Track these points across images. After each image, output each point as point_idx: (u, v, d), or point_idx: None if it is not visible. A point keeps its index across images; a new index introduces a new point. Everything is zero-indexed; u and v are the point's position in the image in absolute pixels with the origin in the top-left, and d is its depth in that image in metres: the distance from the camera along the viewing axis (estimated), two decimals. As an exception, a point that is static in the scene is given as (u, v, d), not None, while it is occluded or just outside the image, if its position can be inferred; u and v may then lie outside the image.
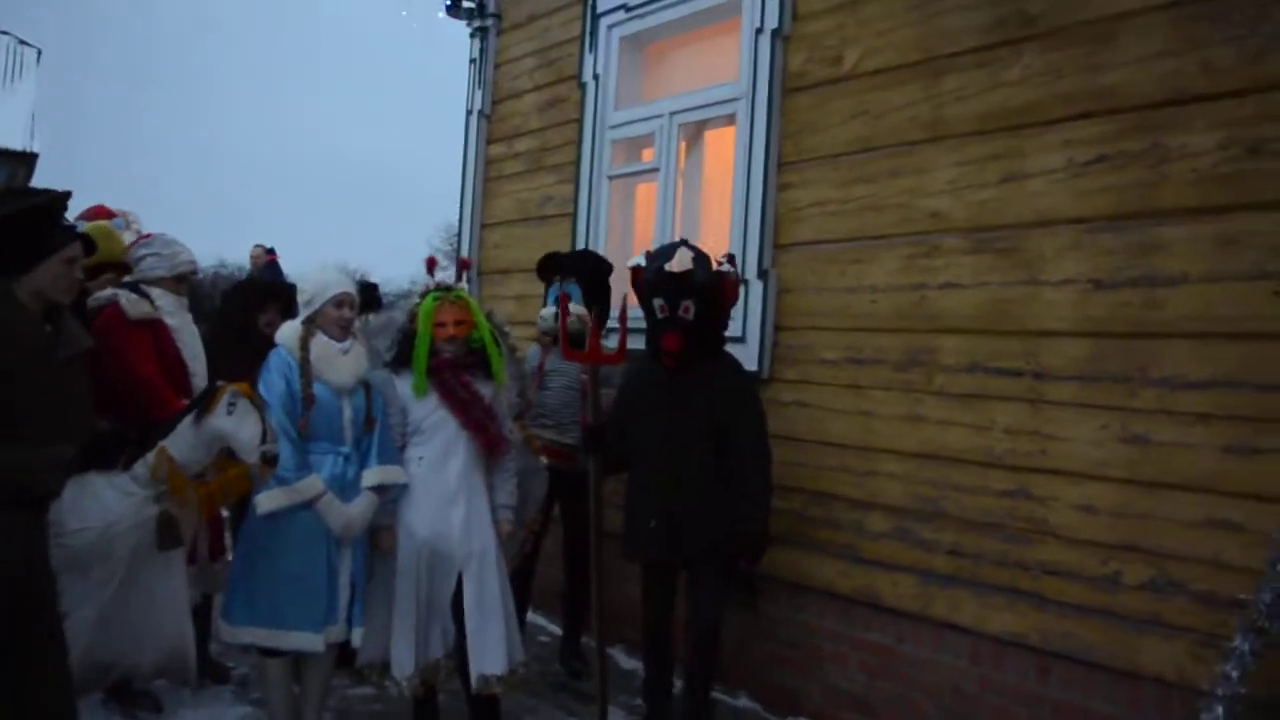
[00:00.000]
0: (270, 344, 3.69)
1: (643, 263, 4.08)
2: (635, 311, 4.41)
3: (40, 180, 16.75)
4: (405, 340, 3.78)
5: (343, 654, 3.85)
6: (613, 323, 4.72)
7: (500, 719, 3.83)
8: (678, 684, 4.11)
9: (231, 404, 3.18)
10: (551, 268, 4.94)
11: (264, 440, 3.19)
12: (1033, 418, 3.63)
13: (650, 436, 3.99)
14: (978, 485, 3.78)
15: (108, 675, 3.47)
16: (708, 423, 3.90)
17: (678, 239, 4.26)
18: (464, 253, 6.74)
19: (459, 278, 4.04)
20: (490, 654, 3.66)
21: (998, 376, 3.75)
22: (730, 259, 4.09)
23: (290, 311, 3.97)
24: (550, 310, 4.72)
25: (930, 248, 4.01)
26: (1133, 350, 3.37)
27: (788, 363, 4.54)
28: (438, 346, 3.72)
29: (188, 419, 3.26)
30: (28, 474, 2.55)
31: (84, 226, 3.94)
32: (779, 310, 4.60)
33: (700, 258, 3.97)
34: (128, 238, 4.40)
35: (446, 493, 3.70)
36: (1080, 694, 3.42)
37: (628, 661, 5.02)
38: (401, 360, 3.77)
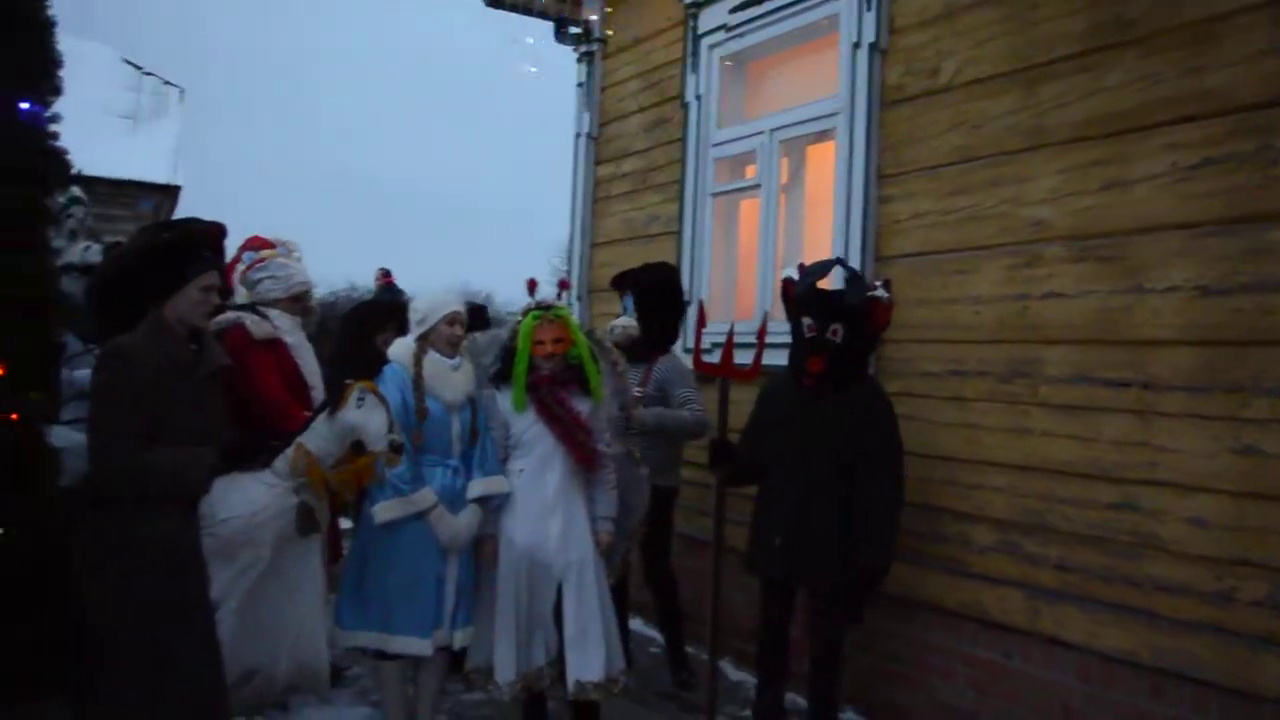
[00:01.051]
0: (385, 360, 3.90)
1: (794, 276, 4.06)
2: (773, 326, 4.48)
3: (183, 211, 17.88)
4: (506, 357, 3.94)
5: (455, 659, 4.04)
6: (745, 337, 4.65)
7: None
8: (788, 699, 4.12)
9: (360, 399, 3.41)
10: (622, 283, 5.06)
11: (390, 430, 3.40)
12: (1141, 429, 3.55)
13: (782, 455, 3.96)
14: (1085, 498, 3.70)
15: (248, 683, 3.68)
16: (842, 449, 3.85)
17: (832, 257, 4.24)
18: (573, 272, 6.93)
19: (559, 297, 4.18)
20: (588, 662, 3.76)
21: (1104, 387, 3.67)
22: (886, 284, 4.01)
23: (405, 330, 4.18)
24: (618, 322, 4.81)
25: (1033, 257, 3.96)
26: (1244, 358, 3.27)
27: (891, 376, 4.53)
28: (536, 363, 3.86)
29: (322, 415, 3.48)
30: (180, 472, 2.96)
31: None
32: (882, 323, 4.59)
33: (855, 279, 3.96)
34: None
35: (545, 504, 3.83)
36: (1193, 714, 3.32)
37: (735, 673, 5.07)
38: (503, 376, 3.92)
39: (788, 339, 4.12)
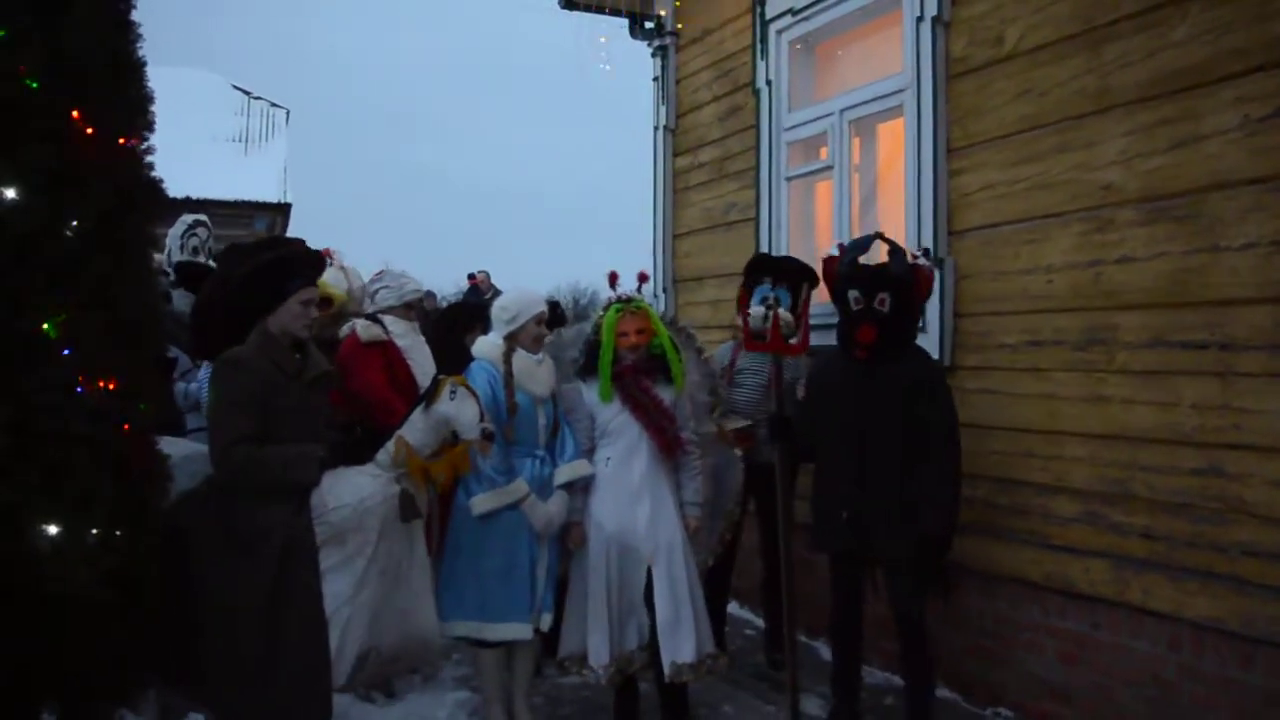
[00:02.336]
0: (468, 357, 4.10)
1: (835, 254, 4.11)
2: (818, 308, 4.51)
3: (294, 226, 18.69)
4: (591, 350, 4.07)
5: (549, 644, 4.21)
6: (827, 319, 4.60)
7: (688, 706, 4.04)
8: (866, 672, 4.15)
9: (453, 392, 3.62)
10: (761, 269, 5.03)
11: (481, 419, 3.58)
12: (1222, 392, 3.46)
13: (840, 429, 3.99)
14: (1167, 465, 3.63)
15: (361, 668, 3.91)
16: (898, 417, 3.85)
17: (871, 232, 4.25)
18: (656, 263, 7.03)
19: (638, 290, 4.27)
20: (680, 644, 3.86)
21: (1182, 350, 3.60)
22: (925, 253, 4.07)
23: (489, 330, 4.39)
24: (754, 309, 4.80)
25: (1104, 222, 3.89)
26: (1326, 314, 3.16)
27: (969, 350, 4.50)
28: (620, 354, 3.99)
29: (418, 409, 3.69)
30: (292, 467, 3.26)
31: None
32: (957, 297, 4.57)
33: (896, 250, 3.98)
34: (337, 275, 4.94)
35: (631, 490, 3.96)
36: (1286, 681, 3.23)
37: (829, 654, 5.09)
38: (588, 368, 4.06)
39: (831, 320, 4.17)
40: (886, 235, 4.12)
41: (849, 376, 4.01)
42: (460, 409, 3.60)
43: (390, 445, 3.63)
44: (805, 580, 4.28)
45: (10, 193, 2.70)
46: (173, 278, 5.26)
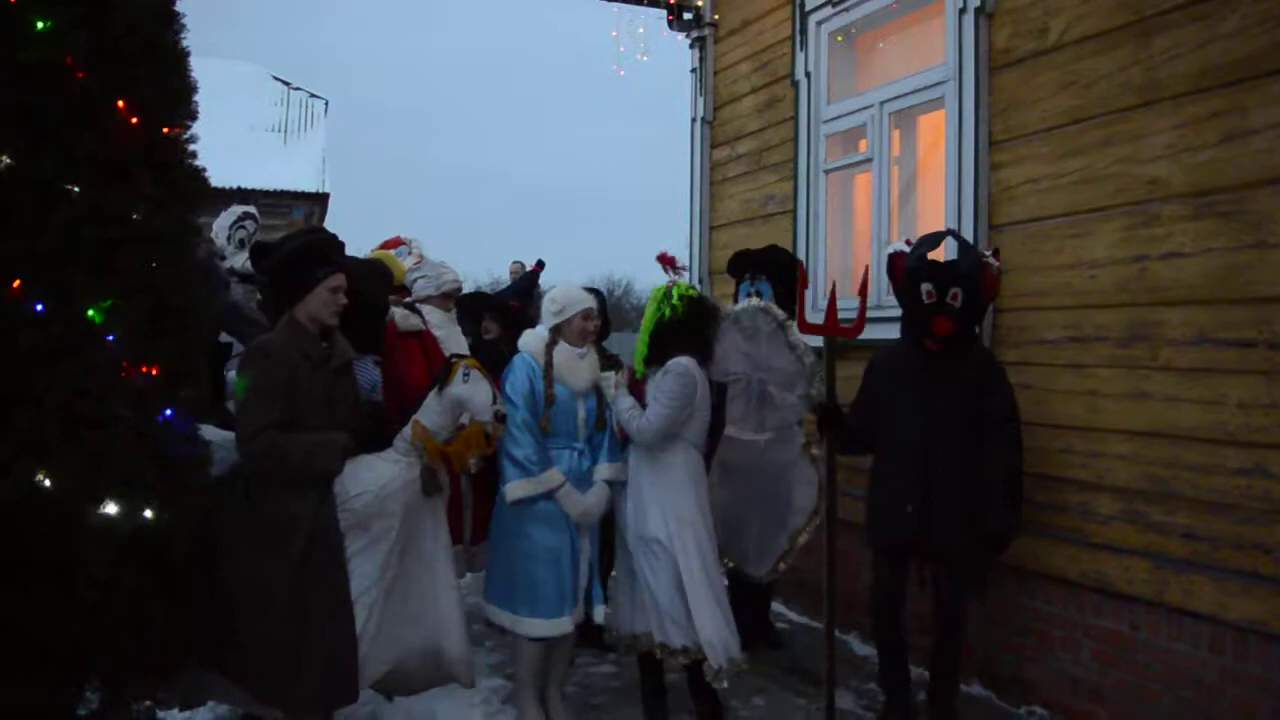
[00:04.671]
0: (486, 346, 4.12)
1: (904, 249, 4.09)
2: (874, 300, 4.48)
3: (332, 215, 18.86)
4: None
5: (585, 633, 4.21)
6: (851, 312, 4.41)
7: (718, 695, 4.04)
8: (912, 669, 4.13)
9: (465, 374, 3.64)
10: (742, 265, 5.04)
11: (494, 401, 3.60)
12: (1269, 390, 3.40)
13: (905, 422, 3.97)
14: (1211, 464, 3.57)
15: (390, 656, 3.89)
16: (964, 411, 3.86)
17: (943, 229, 4.24)
18: (693, 255, 7.02)
19: (667, 272, 4.24)
20: (701, 635, 3.86)
21: (1228, 348, 3.53)
22: (995, 254, 4.04)
23: (506, 320, 4.41)
24: (744, 305, 4.79)
25: (1149, 216, 3.83)
26: (1378, 312, 3.09)
27: (1008, 345, 4.45)
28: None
29: (432, 392, 3.72)
30: (316, 454, 3.32)
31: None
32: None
33: (965, 248, 3.98)
34: (409, 261, 4.99)
35: (641, 486, 3.99)
36: (1331, 685, 3.17)
37: (861, 648, 5.08)
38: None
39: (890, 313, 4.10)
40: (959, 233, 4.09)
41: (914, 369, 4.00)
42: (473, 391, 3.63)
43: (407, 430, 3.65)
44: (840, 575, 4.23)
45: (59, 182, 2.74)
46: (232, 266, 5.31)
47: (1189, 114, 3.68)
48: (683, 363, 3.93)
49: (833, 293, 4.06)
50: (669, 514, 3.92)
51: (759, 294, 4.67)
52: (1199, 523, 3.61)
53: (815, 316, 4.03)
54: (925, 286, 3.88)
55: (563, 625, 3.89)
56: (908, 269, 3.99)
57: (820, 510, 4.38)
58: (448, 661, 3.73)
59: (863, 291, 4.09)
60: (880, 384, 4.15)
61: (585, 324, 4.02)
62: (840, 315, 4.00)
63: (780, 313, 4.53)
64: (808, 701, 4.40)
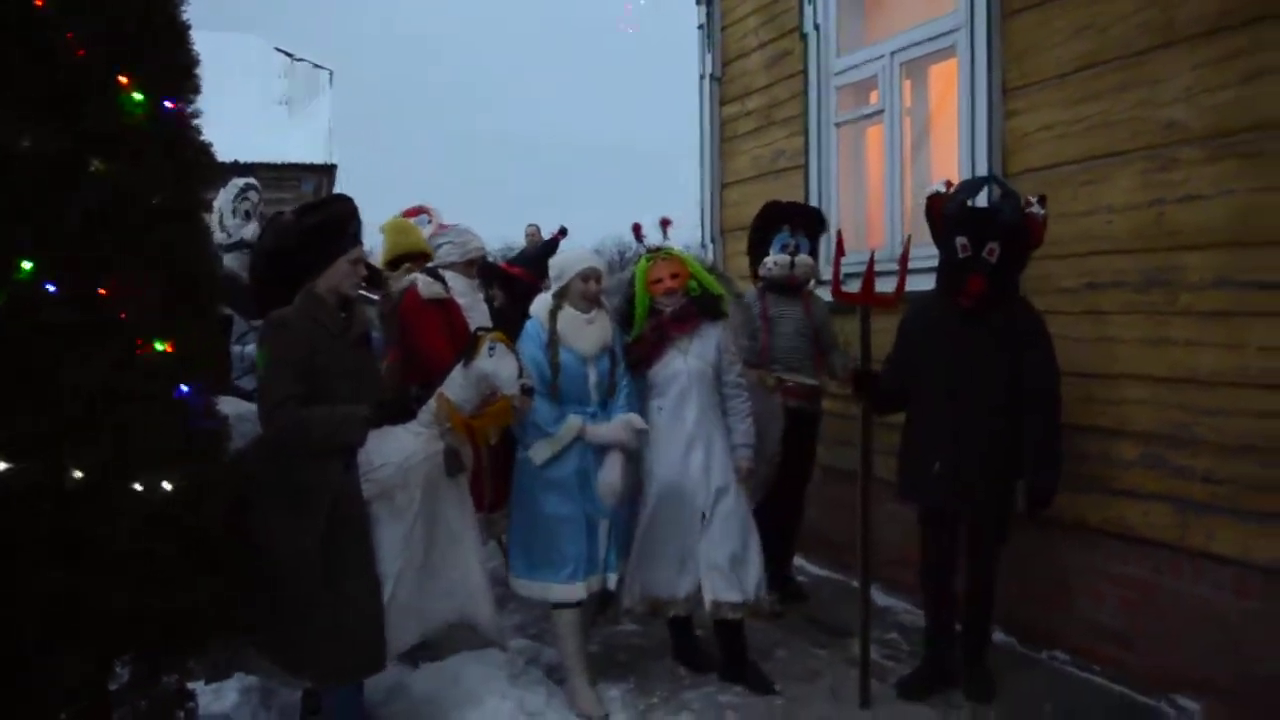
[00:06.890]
0: (494, 314, 4.11)
1: (943, 190, 3.89)
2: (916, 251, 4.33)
3: (340, 186, 18.78)
4: (628, 305, 4.09)
5: (606, 594, 4.24)
6: (885, 265, 4.42)
7: (745, 647, 4.07)
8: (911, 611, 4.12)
9: (491, 348, 3.63)
10: (779, 218, 4.96)
11: (521, 375, 3.61)
12: (1291, 332, 3.38)
13: (938, 379, 3.84)
14: (1233, 407, 3.56)
15: (419, 629, 3.94)
16: (1001, 368, 3.73)
17: (983, 175, 4.07)
18: (705, 213, 6.98)
19: (664, 236, 4.22)
20: (732, 584, 3.90)
21: (1249, 291, 3.51)
22: (1041, 200, 3.79)
23: (510, 289, 4.38)
24: (777, 258, 4.80)
25: (1167, 160, 3.78)
26: (1401, 250, 3.06)
27: (1027, 294, 4.41)
28: (658, 304, 4.03)
29: (458, 366, 3.73)
30: (337, 426, 3.31)
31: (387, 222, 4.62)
32: (1013, 241, 4.47)
33: (1008, 195, 3.80)
34: (429, 229, 4.93)
35: (685, 437, 3.98)
36: (1356, 624, 3.18)
37: (883, 598, 5.10)
38: (627, 323, 4.07)
39: (928, 263, 4.04)
40: (1001, 179, 3.95)
41: (948, 323, 3.84)
42: (499, 365, 3.62)
43: (432, 403, 3.66)
44: (849, 528, 4.23)
45: (78, 162, 2.74)
46: (231, 239, 5.29)
47: (1208, 54, 3.62)
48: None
49: (870, 264, 3.91)
50: (729, 465, 4.00)
51: (798, 247, 4.61)
52: (1220, 466, 3.60)
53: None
54: (960, 240, 3.71)
55: (575, 592, 3.88)
56: (945, 214, 3.81)
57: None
58: (481, 630, 3.77)
59: (903, 262, 3.98)
60: (913, 339, 4.01)
61: (586, 286, 3.94)
62: (847, 271, 3.96)
63: (722, 270, 4.55)
64: (829, 653, 4.43)
